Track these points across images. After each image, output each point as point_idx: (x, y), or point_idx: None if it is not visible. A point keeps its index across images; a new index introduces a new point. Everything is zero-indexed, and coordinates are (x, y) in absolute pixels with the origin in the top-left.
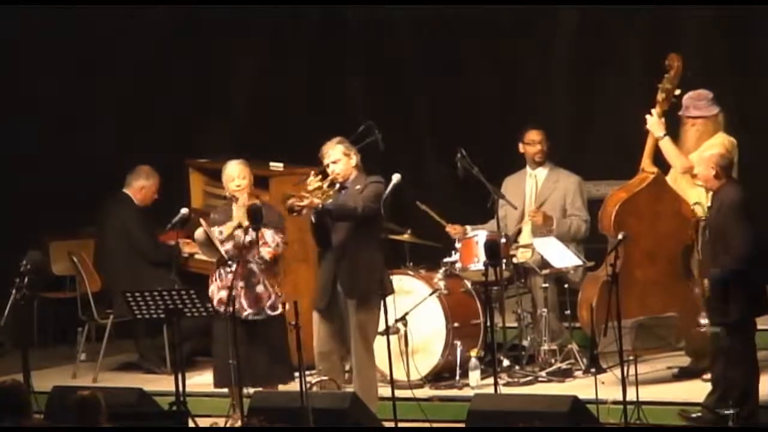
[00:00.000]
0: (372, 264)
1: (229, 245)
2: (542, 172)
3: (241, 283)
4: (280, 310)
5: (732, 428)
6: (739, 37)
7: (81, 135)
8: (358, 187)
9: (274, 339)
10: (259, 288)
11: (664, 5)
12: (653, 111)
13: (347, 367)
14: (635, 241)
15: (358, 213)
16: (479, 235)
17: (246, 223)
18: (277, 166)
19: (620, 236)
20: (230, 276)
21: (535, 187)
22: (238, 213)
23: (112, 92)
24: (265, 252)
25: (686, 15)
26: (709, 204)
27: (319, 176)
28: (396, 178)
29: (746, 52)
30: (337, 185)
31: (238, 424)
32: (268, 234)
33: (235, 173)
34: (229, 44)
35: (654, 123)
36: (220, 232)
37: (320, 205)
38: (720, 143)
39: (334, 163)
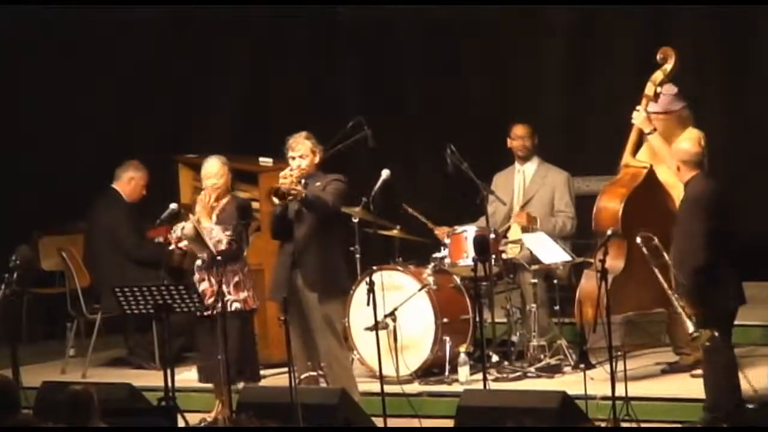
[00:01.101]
0: (334, 258)
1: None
2: (530, 168)
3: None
4: (233, 308)
5: (731, 428)
6: (735, 37)
7: (72, 130)
8: (318, 184)
9: (233, 336)
10: (204, 285)
11: (658, 5)
12: (639, 107)
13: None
14: (635, 237)
15: (330, 207)
16: (468, 230)
17: (203, 220)
18: (266, 161)
19: (609, 232)
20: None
21: (523, 183)
22: (199, 209)
23: (105, 89)
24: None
25: (680, 13)
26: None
27: (292, 173)
28: (385, 173)
29: (741, 52)
30: (302, 181)
31: (220, 417)
32: (215, 230)
33: (212, 171)
34: (224, 42)
35: (642, 119)
36: (182, 228)
37: (304, 195)
38: (695, 137)
39: (300, 157)
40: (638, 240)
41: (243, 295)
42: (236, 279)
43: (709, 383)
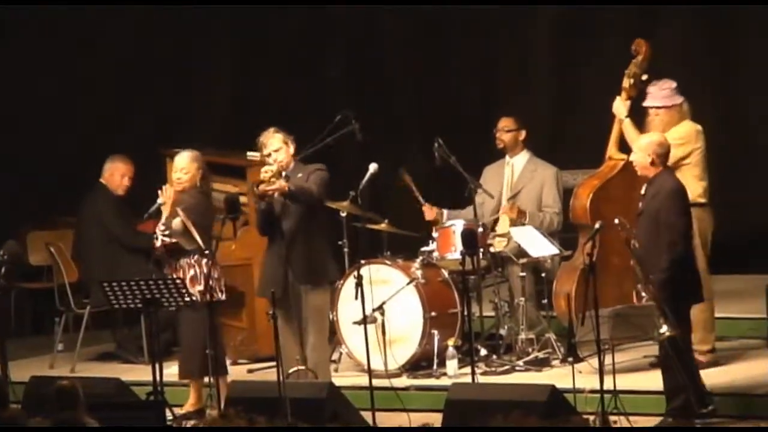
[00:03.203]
0: (321, 249)
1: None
2: (520, 161)
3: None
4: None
5: (722, 428)
6: (723, 33)
7: (59, 126)
8: (300, 175)
9: (192, 330)
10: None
11: (645, 5)
12: (618, 97)
13: (334, 356)
14: (611, 228)
15: (315, 196)
16: (456, 224)
17: (182, 214)
18: (254, 155)
19: (597, 225)
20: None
21: (512, 176)
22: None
23: (93, 83)
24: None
25: (668, 9)
26: (643, 192)
27: (272, 167)
28: (373, 167)
29: (726, 51)
30: (283, 173)
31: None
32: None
33: (179, 166)
34: (213, 37)
35: (618, 105)
36: (163, 221)
37: (288, 188)
38: (685, 131)
39: (276, 152)
40: (616, 221)
41: (199, 288)
42: (192, 273)
43: (675, 378)
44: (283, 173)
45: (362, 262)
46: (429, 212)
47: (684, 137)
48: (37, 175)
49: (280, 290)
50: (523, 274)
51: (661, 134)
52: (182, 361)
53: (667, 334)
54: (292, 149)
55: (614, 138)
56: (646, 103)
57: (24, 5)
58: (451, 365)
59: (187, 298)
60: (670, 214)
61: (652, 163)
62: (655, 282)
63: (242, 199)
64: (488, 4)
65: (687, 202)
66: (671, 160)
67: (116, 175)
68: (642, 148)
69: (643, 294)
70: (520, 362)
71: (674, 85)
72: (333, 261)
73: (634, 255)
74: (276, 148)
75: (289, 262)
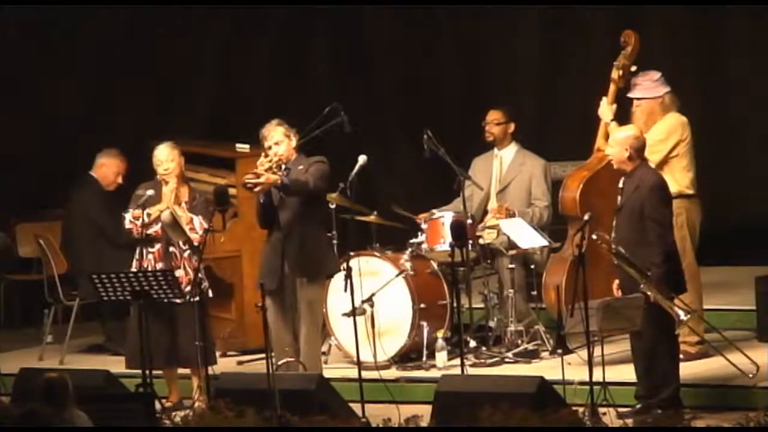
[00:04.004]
0: (319, 242)
1: (157, 227)
2: (508, 154)
3: (160, 265)
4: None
5: (719, 428)
6: (706, 27)
7: (48, 117)
8: (300, 167)
9: (192, 322)
10: (179, 272)
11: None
12: (604, 98)
13: (323, 348)
14: (599, 219)
15: (310, 187)
16: (445, 216)
17: (171, 206)
18: (243, 147)
19: (586, 217)
20: (150, 256)
21: (500, 169)
22: (166, 196)
23: (80, 74)
24: (195, 237)
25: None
26: (621, 185)
27: (268, 158)
28: (362, 159)
29: (713, 42)
30: (283, 167)
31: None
32: (196, 220)
33: (163, 157)
34: (198, 25)
35: (603, 109)
36: (148, 215)
37: (279, 181)
38: (670, 124)
39: (276, 144)
40: (594, 236)
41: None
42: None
43: (654, 363)
44: (283, 166)
45: (351, 253)
46: (424, 219)
47: (669, 130)
48: (26, 167)
49: (276, 282)
50: (513, 265)
51: (636, 128)
52: (170, 351)
53: (687, 318)
54: (293, 142)
55: (602, 131)
56: (630, 95)
57: (18, 5)
58: (441, 357)
59: (177, 291)
60: (654, 207)
61: (630, 157)
62: (654, 278)
63: (231, 191)
64: (477, 3)
65: (669, 194)
66: (661, 156)
67: (110, 172)
68: (619, 142)
69: (648, 293)
70: (510, 354)
71: (658, 76)
72: (333, 255)
73: (622, 258)
74: (276, 140)
75: (285, 254)
